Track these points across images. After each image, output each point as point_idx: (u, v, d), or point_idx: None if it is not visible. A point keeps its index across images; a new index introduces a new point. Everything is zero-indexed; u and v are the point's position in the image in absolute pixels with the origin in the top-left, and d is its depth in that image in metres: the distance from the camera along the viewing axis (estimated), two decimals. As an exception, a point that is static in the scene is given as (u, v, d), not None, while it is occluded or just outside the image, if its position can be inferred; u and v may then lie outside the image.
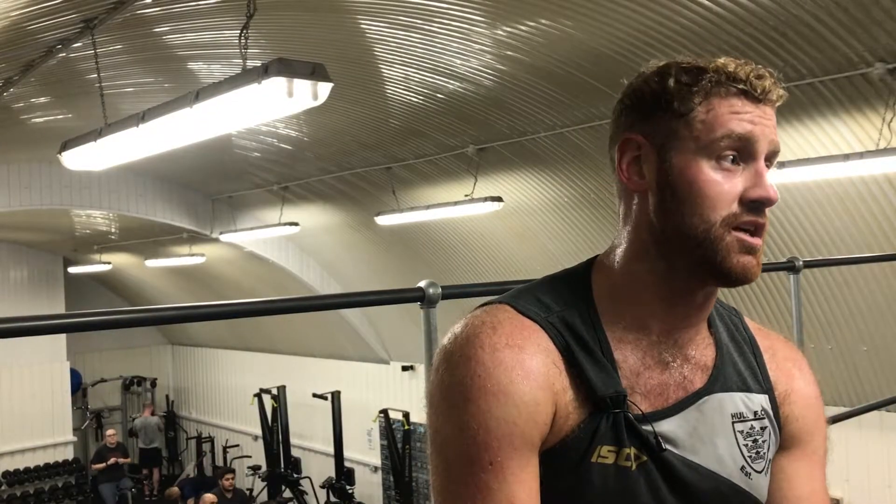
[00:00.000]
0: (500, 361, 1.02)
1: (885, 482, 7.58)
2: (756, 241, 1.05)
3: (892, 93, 5.23)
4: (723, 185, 1.03)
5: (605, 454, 1.04)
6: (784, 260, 3.11)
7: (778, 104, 1.07)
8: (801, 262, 3.07)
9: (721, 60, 1.05)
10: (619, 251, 1.11)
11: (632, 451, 1.05)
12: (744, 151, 1.04)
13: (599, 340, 1.08)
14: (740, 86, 1.04)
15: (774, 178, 1.08)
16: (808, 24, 4.90)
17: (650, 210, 1.07)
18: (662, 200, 1.06)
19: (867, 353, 7.21)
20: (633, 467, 1.05)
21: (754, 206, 1.04)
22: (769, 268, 3.80)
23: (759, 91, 1.04)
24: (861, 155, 5.13)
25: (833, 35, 4.95)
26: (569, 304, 1.10)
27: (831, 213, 6.42)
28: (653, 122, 1.07)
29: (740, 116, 1.03)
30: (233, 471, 13.01)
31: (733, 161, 1.04)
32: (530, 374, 1.03)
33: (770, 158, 1.06)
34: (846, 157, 5.20)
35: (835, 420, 2.81)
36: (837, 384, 7.35)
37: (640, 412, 1.06)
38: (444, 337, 1.10)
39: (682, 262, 1.06)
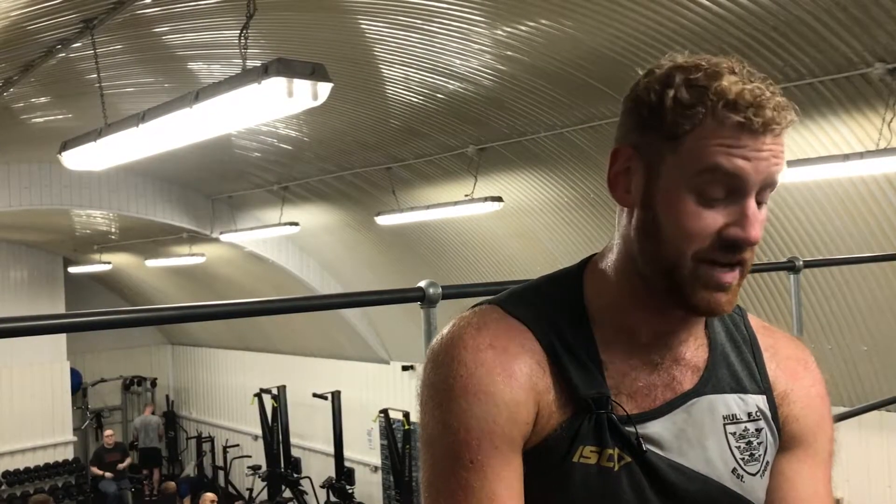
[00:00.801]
0: (482, 362, 1.03)
1: (886, 482, 7.57)
2: (728, 277, 1.01)
3: (892, 93, 5.23)
4: (704, 219, 0.98)
5: (588, 454, 1.04)
6: (784, 260, 3.12)
7: (786, 129, 0.99)
8: (801, 262, 3.07)
9: (725, 82, 0.96)
10: (610, 256, 1.11)
11: (615, 451, 1.04)
12: (731, 187, 0.98)
13: (586, 341, 1.08)
14: (738, 117, 0.95)
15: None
16: (808, 24, 4.90)
17: (632, 226, 1.05)
18: (644, 221, 1.03)
19: (867, 353, 7.21)
20: (616, 468, 1.04)
21: (731, 244, 0.99)
22: (769, 268, 3.81)
23: (756, 125, 0.96)
24: (861, 155, 5.12)
25: (833, 35, 4.95)
26: (558, 305, 1.10)
27: (831, 213, 6.42)
28: (646, 137, 1.02)
29: (730, 151, 0.96)
30: None
31: (718, 195, 0.98)
32: (512, 374, 1.03)
33: (765, 190, 1.00)
34: (846, 157, 5.20)
35: (835, 420, 2.80)
36: (837, 384, 7.34)
37: (625, 413, 1.06)
38: (434, 337, 1.11)
39: (655, 283, 1.04)
